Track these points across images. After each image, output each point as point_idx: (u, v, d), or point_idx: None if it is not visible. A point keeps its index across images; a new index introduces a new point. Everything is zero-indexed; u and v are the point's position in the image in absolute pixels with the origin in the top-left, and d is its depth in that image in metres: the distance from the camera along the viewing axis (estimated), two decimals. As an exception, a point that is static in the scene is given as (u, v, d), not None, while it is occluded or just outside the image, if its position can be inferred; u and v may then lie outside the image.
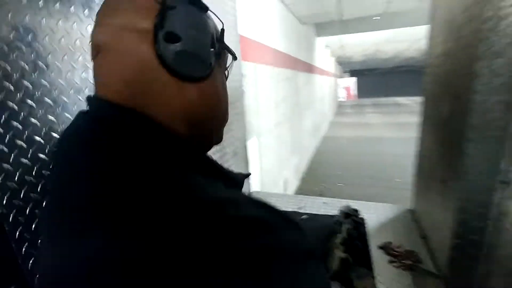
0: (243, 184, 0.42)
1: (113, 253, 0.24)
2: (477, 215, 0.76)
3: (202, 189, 0.29)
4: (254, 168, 2.56)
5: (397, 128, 8.76)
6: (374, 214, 1.55)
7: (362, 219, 1.38)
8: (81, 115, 0.37)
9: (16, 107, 0.51)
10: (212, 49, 0.37)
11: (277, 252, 0.25)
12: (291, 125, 4.19)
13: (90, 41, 0.37)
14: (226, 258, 0.22)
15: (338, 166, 5.82)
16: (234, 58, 0.44)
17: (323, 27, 5.87)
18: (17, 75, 0.51)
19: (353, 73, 17.45)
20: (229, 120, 1.60)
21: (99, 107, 0.35)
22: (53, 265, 0.28)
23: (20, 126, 0.51)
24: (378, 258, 1.18)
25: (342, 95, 12.07)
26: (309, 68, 5.95)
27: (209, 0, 1.10)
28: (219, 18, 0.42)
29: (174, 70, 0.33)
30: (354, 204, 1.64)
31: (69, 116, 0.61)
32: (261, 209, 0.30)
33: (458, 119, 0.80)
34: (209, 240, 0.23)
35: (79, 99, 0.64)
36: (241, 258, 0.23)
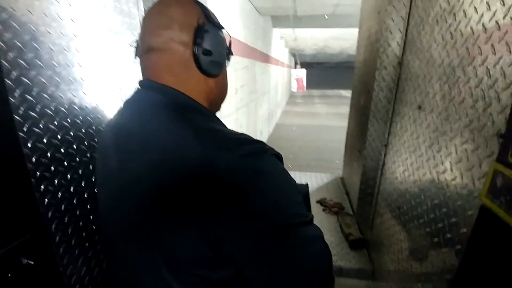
0: None
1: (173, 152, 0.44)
2: (371, 173, 1.20)
3: (216, 129, 0.48)
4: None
5: (341, 118, 9.78)
6: (314, 180, 2.02)
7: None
8: (139, 91, 0.56)
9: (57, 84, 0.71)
10: (227, 56, 0.56)
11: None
12: (248, 111, 4.52)
13: (136, 42, 0.57)
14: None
15: (289, 150, 6.38)
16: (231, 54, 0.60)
17: (279, 19, 6.22)
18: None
19: (303, 65, 18.57)
20: None
21: (154, 86, 0.52)
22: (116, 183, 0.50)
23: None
24: (315, 208, 1.62)
25: (294, 86, 12.88)
26: (265, 58, 6.29)
27: None
28: (228, 34, 0.63)
29: (205, 71, 0.52)
30: (301, 175, 2.10)
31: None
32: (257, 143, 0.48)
33: (367, 107, 1.22)
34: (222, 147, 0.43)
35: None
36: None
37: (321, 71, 19.63)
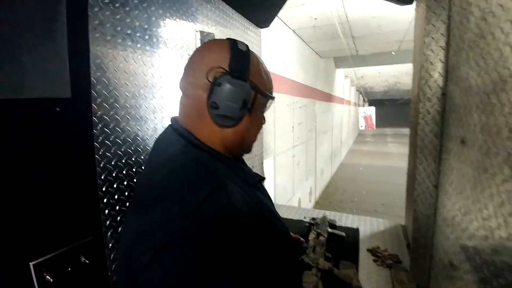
0: (256, 180, 0.59)
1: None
2: (423, 218, 1.03)
3: (206, 169, 0.49)
4: (269, 185, 2.86)
5: (417, 159, 8.68)
6: (369, 226, 1.79)
7: (334, 225, 1.65)
8: (168, 127, 0.59)
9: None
10: (242, 109, 0.53)
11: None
12: (307, 148, 4.48)
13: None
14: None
15: (353, 193, 5.90)
16: (272, 99, 0.60)
17: (341, 60, 6.29)
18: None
19: (373, 102, 17.66)
20: None
21: (175, 126, 0.57)
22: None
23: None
24: (365, 258, 1.42)
25: (362, 124, 12.26)
26: (327, 97, 6.32)
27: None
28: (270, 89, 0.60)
29: (215, 122, 0.53)
30: (354, 218, 1.91)
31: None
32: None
33: (415, 143, 1.09)
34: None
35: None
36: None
37: (394, 108, 18.27)
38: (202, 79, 0.52)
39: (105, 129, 0.79)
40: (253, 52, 0.57)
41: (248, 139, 0.60)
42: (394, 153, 10.09)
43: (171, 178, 0.47)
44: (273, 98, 0.60)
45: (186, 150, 0.51)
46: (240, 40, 0.56)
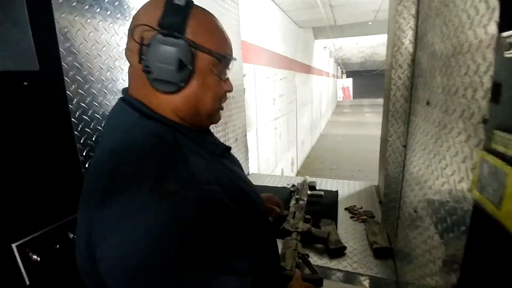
0: (222, 150, 0.56)
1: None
2: (394, 176, 1.14)
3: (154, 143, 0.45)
4: (253, 157, 2.94)
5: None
6: (346, 188, 1.95)
7: (314, 187, 1.79)
8: (119, 100, 0.54)
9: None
10: (180, 71, 0.47)
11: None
12: (288, 120, 4.57)
13: None
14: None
15: (332, 161, 6.18)
16: (224, 59, 0.52)
17: (320, 30, 6.24)
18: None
19: (350, 74, 17.93)
20: (231, 112, 2.06)
21: (126, 97, 0.52)
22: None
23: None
24: (343, 216, 1.57)
25: (340, 95, 12.50)
26: (306, 68, 6.33)
27: (216, 11, 1.52)
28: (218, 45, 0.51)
29: (154, 88, 0.48)
30: (334, 183, 2.05)
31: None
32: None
33: (387, 108, 1.18)
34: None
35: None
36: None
37: (371, 80, 18.70)
38: (132, 41, 0.47)
39: (82, 104, 0.77)
40: (200, 7, 0.51)
41: (202, 107, 0.51)
42: (371, 122, 10.50)
43: (126, 155, 0.44)
44: (226, 58, 0.51)
45: (141, 123, 0.47)
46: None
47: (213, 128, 1.70)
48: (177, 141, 0.48)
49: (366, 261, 1.17)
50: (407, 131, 1.02)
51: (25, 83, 0.64)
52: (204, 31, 0.49)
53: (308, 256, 1.09)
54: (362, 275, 1.09)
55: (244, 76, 2.30)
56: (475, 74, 0.49)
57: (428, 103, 0.77)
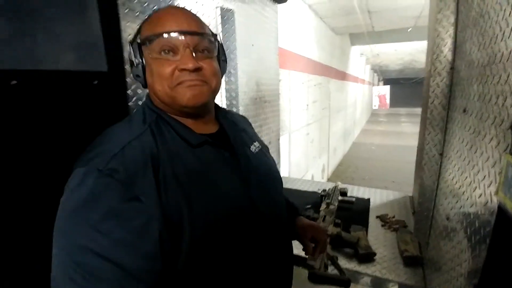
0: (198, 142, 0.53)
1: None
2: (429, 184, 1.13)
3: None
4: (284, 161, 3.00)
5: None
6: (379, 197, 1.92)
7: (345, 193, 1.79)
8: None
9: None
10: (133, 67, 0.54)
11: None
12: (320, 127, 4.55)
13: None
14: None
15: (365, 171, 5.98)
16: (152, 39, 0.51)
17: (357, 37, 6.14)
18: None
19: (387, 81, 17.12)
20: (266, 115, 2.15)
21: None
22: None
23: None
24: (374, 223, 1.55)
25: (376, 103, 12.03)
26: (341, 75, 6.25)
27: (257, 19, 1.63)
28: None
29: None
30: (366, 191, 2.03)
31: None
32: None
33: (425, 117, 1.18)
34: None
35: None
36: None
37: (409, 88, 17.73)
38: None
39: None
40: (160, 8, 0.56)
41: (155, 92, 0.53)
42: (407, 132, 9.96)
43: None
44: (156, 35, 0.50)
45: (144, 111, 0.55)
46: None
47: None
48: (148, 123, 0.51)
49: (395, 268, 1.16)
50: (444, 139, 1.02)
51: (95, 82, 0.72)
52: (147, 25, 0.53)
53: (337, 258, 1.12)
54: (390, 281, 1.09)
55: (279, 81, 2.38)
56: (505, 83, 0.52)
57: (464, 111, 0.78)
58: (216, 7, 1.38)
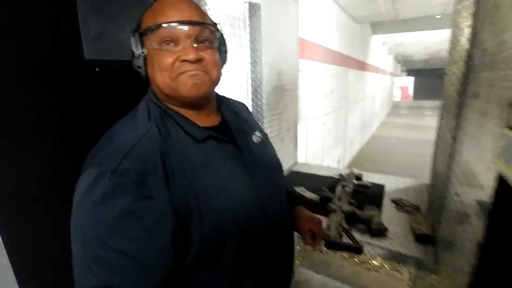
0: (203, 137, 0.53)
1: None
2: (441, 166, 1.19)
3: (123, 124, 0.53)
4: (301, 150, 3.08)
5: (455, 132, 8.25)
6: (395, 184, 1.98)
7: (360, 178, 1.88)
8: None
9: None
10: (134, 58, 0.53)
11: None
12: (337, 117, 4.56)
13: None
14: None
15: (382, 165, 5.91)
16: (153, 29, 0.50)
17: (379, 25, 5.99)
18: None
19: (411, 72, 16.46)
20: (286, 103, 2.27)
21: None
22: None
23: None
24: (388, 205, 1.63)
25: (397, 95, 11.62)
26: (361, 65, 6.14)
27: (279, 11, 1.74)
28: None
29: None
30: (382, 178, 2.10)
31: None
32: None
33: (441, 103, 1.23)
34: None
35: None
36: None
37: (435, 79, 16.98)
38: None
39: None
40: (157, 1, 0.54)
41: (157, 84, 0.53)
42: (431, 127, 9.63)
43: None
44: (158, 25, 0.49)
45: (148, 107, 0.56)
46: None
47: (271, 116, 1.90)
48: (153, 118, 0.52)
49: (406, 242, 1.24)
50: (458, 124, 1.08)
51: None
52: (149, 16, 0.52)
53: (351, 229, 1.22)
54: (401, 254, 1.18)
55: (298, 71, 2.45)
56: (511, 69, 0.60)
57: (475, 95, 0.85)
58: (245, 2, 1.47)
